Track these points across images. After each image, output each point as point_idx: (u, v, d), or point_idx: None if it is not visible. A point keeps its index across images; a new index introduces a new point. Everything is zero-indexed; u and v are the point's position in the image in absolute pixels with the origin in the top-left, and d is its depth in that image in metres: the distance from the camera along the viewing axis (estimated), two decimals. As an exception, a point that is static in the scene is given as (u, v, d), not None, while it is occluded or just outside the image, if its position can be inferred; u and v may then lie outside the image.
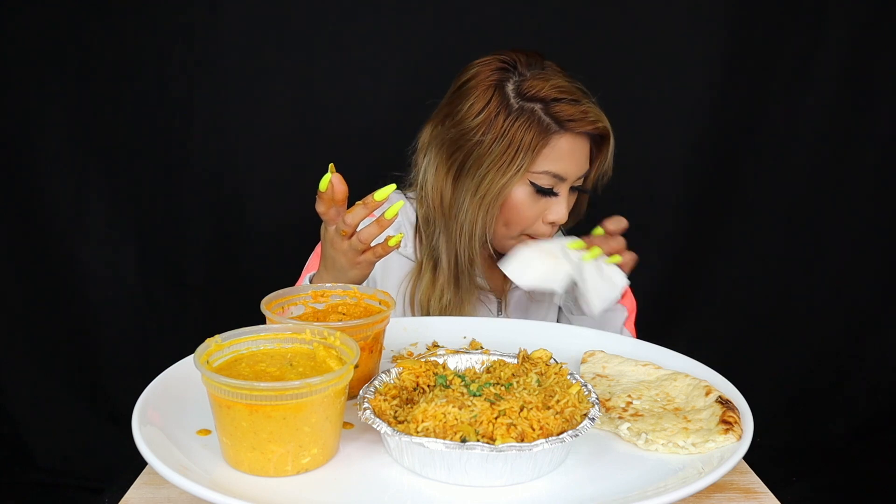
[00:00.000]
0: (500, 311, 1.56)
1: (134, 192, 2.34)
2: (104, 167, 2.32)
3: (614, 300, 1.34)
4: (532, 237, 1.43)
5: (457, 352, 1.00)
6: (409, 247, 1.51)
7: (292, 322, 0.93)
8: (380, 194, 1.07)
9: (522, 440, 0.77)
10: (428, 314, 1.45)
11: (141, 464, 0.82)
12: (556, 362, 0.96)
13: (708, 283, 2.53)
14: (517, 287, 1.54)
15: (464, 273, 1.44)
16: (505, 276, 1.59)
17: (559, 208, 1.39)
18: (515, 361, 0.97)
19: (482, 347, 1.14)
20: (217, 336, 0.84)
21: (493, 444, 0.75)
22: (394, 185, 1.08)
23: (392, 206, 1.12)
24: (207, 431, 0.85)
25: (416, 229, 1.52)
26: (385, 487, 0.78)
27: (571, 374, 0.92)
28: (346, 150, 2.31)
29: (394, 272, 1.50)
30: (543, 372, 0.93)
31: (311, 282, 1.27)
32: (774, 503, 0.82)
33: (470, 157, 1.37)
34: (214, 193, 2.34)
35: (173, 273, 2.41)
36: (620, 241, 1.39)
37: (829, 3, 2.30)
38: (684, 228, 2.47)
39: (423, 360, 0.95)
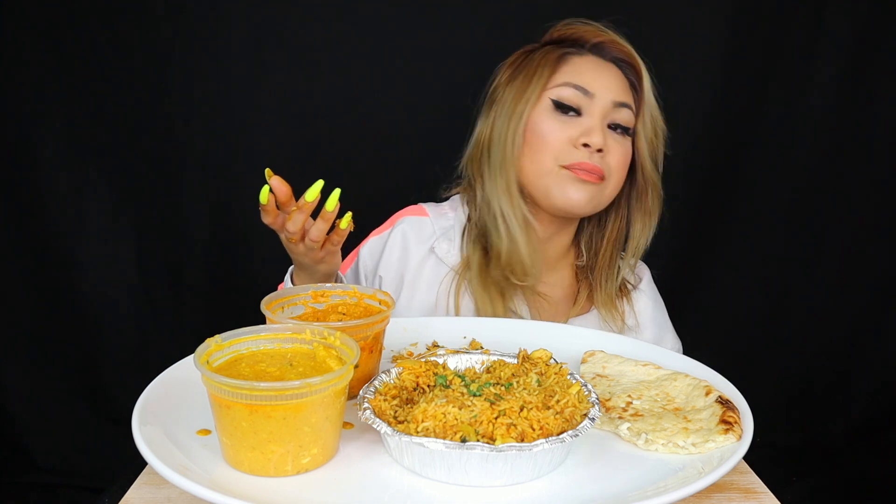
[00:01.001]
0: None
1: (134, 192, 2.34)
2: (104, 167, 2.32)
3: None
4: (570, 169, 1.32)
5: (457, 352, 1.00)
6: (452, 252, 1.43)
7: (292, 322, 0.93)
8: (310, 194, 1.04)
9: (522, 440, 0.77)
10: (485, 302, 1.36)
11: (141, 464, 0.82)
12: (556, 362, 0.96)
13: (708, 283, 2.53)
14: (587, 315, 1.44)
15: (510, 219, 1.34)
16: (575, 279, 1.47)
17: (590, 128, 1.31)
18: (515, 361, 0.97)
19: (482, 347, 1.14)
20: (217, 336, 0.84)
21: (493, 444, 0.75)
22: (322, 182, 1.05)
23: (331, 196, 1.07)
24: (207, 431, 0.85)
25: (464, 231, 1.45)
26: (385, 487, 0.78)
27: (571, 374, 0.92)
28: (347, 150, 2.31)
29: (427, 276, 1.43)
30: (543, 372, 0.93)
31: (291, 278, 1.25)
32: (774, 503, 0.82)
33: (500, 106, 1.38)
34: (214, 193, 2.34)
35: (173, 273, 2.41)
36: None
37: (829, 3, 2.30)
38: (684, 228, 2.47)
39: (423, 360, 0.95)
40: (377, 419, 0.80)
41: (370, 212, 1.55)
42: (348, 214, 1.10)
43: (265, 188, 1.04)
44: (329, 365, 0.84)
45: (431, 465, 0.77)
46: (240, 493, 0.73)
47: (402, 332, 1.20)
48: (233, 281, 2.36)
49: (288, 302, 1.05)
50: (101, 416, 2.44)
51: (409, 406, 0.86)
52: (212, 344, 0.83)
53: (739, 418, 0.89)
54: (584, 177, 1.31)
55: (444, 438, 0.77)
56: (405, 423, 0.81)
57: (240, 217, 2.35)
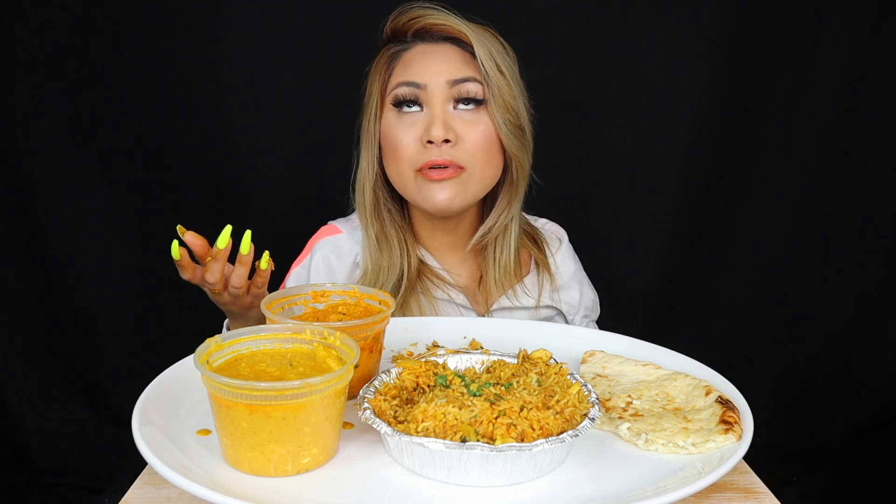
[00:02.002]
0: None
1: (134, 192, 2.34)
2: (104, 167, 2.32)
3: None
4: (423, 173, 1.29)
5: (457, 352, 1.00)
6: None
7: (292, 322, 0.93)
8: (221, 241, 1.03)
9: (522, 440, 0.77)
10: None
11: (141, 464, 0.82)
12: (556, 362, 0.96)
13: (708, 282, 2.53)
14: (501, 307, 1.42)
15: (368, 235, 1.37)
16: (476, 272, 1.45)
17: (431, 122, 1.27)
18: (515, 361, 0.97)
19: (482, 347, 1.14)
20: (217, 336, 0.84)
21: (493, 444, 0.75)
22: (230, 227, 1.04)
23: (243, 239, 1.06)
24: (207, 431, 0.85)
25: None
26: (385, 487, 0.78)
27: (571, 374, 0.92)
28: (348, 150, 2.31)
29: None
30: (543, 372, 0.93)
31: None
32: (774, 503, 0.82)
33: (358, 124, 1.40)
34: (214, 193, 2.34)
35: (173, 273, 2.40)
36: None
37: (829, 3, 2.30)
38: (684, 228, 2.47)
39: (423, 360, 0.95)
40: (377, 419, 0.80)
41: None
42: (265, 254, 1.07)
43: (175, 243, 1.02)
44: (329, 365, 0.84)
45: (431, 465, 0.77)
46: (240, 493, 0.73)
47: (402, 332, 1.20)
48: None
49: (288, 302, 1.05)
50: (101, 416, 2.45)
51: (409, 406, 0.86)
52: (212, 344, 0.83)
53: (739, 418, 0.89)
54: (436, 177, 1.29)
55: (444, 438, 0.77)
56: (405, 423, 0.81)
57: (239, 217, 2.35)
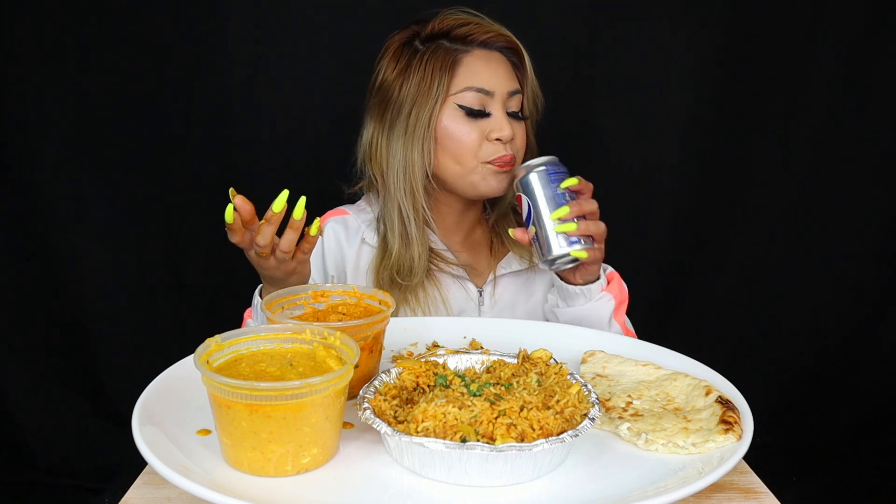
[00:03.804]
0: (481, 298, 1.51)
1: (134, 192, 2.34)
2: (104, 167, 2.31)
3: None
4: (494, 164, 1.40)
5: (457, 352, 1.00)
6: (376, 239, 1.50)
7: (292, 322, 0.94)
8: (277, 205, 1.05)
9: (522, 440, 0.77)
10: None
11: (141, 464, 0.82)
12: (556, 362, 0.96)
13: (707, 282, 2.53)
14: (507, 271, 1.52)
15: (409, 220, 1.43)
16: (489, 255, 1.57)
17: (500, 124, 1.40)
18: (515, 361, 0.97)
19: (482, 347, 1.14)
20: (217, 336, 0.84)
21: (493, 444, 0.75)
22: (287, 191, 1.06)
23: (297, 205, 1.07)
24: (207, 431, 0.86)
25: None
26: (385, 487, 0.78)
27: (571, 374, 0.92)
28: (348, 150, 2.31)
29: (363, 266, 1.49)
30: (543, 372, 0.93)
31: (260, 295, 1.25)
32: (774, 503, 0.83)
33: (396, 108, 1.44)
34: (214, 193, 2.34)
35: (173, 273, 2.40)
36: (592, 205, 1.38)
37: (829, 3, 2.30)
38: (683, 228, 2.47)
39: (423, 360, 0.95)
40: (377, 419, 0.80)
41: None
42: (317, 220, 1.09)
43: (229, 207, 1.03)
44: (329, 365, 0.84)
45: (431, 465, 0.77)
46: (240, 493, 0.73)
47: (402, 332, 1.20)
48: (233, 281, 2.36)
49: (288, 302, 1.05)
50: (101, 416, 2.44)
51: (409, 406, 0.86)
52: (212, 344, 0.83)
53: (739, 418, 0.89)
54: (505, 168, 1.42)
55: (444, 438, 0.77)
56: (405, 423, 0.81)
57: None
